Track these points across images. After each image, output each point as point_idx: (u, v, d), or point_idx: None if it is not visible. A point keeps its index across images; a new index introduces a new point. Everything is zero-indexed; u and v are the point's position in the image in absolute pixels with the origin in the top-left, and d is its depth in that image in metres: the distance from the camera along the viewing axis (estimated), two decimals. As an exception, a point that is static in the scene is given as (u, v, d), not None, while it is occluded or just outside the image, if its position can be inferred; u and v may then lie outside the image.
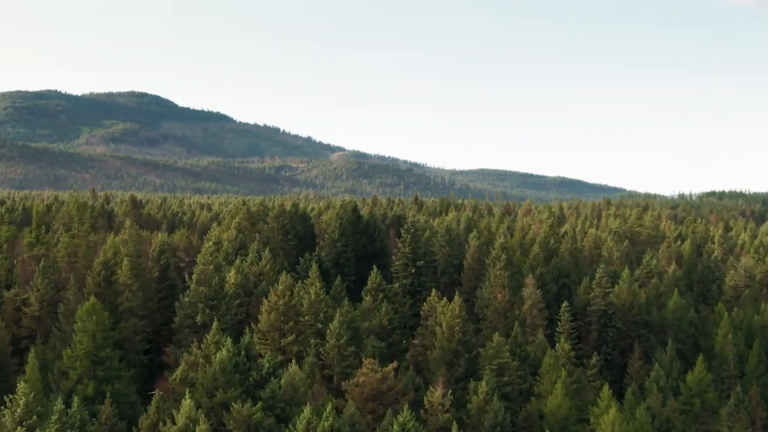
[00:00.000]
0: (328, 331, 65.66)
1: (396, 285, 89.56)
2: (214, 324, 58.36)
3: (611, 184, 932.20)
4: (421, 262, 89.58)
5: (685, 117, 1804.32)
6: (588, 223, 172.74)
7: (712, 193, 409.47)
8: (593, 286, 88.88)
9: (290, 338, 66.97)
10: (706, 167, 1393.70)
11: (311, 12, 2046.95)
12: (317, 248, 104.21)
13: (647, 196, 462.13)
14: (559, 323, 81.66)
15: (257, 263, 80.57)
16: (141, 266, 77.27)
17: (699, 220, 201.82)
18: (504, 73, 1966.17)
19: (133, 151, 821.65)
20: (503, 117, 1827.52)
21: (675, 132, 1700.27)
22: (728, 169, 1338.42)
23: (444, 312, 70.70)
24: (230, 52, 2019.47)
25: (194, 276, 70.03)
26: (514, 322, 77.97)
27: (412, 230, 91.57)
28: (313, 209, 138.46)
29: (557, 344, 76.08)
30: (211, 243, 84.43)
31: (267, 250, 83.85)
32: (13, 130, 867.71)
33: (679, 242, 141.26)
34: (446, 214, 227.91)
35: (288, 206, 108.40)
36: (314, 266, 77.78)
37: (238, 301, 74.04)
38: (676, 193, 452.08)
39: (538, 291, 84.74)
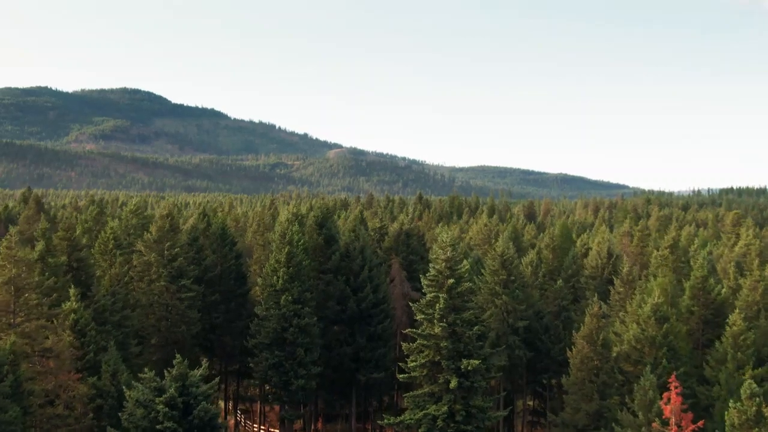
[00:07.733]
0: None
1: (408, 412, 37.60)
2: None
3: (613, 180, 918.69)
4: (475, 363, 36.18)
5: (685, 114, 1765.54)
6: (679, 236, 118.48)
7: (730, 190, 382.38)
8: None
9: None
10: (708, 164, 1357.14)
11: (308, 9, 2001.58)
12: (254, 308, 52.91)
13: (660, 193, 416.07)
14: None
15: None
16: None
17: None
18: (504, 71, 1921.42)
19: (124, 149, 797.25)
20: (503, 114, 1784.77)
21: (677, 129, 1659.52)
22: (730, 165, 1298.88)
23: None
24: (225, 49, 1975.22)
25: None
26: None
27: (452, 281, 37.64)
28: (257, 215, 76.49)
29: None
30: None
31: None
32: (1, 128, 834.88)
33: None
34: (459, 216, 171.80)
35: (191, 216, 54.57)
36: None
37: None
38: (689, 190, 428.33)
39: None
